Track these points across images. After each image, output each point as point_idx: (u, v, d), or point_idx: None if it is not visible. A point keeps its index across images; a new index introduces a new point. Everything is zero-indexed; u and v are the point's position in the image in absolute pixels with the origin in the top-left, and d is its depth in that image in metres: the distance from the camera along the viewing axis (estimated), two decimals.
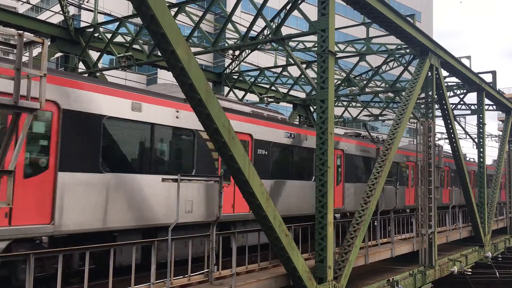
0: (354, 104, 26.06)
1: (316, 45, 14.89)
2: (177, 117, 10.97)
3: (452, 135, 19.76)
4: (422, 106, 18.40)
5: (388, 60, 20.60)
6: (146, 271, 8.71)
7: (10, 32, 6.45)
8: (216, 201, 10.28)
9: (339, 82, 21.70)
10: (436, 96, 17.92)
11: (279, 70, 22.30)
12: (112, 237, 9.68)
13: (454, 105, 26.54)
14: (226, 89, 23.13)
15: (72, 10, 16.55)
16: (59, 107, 8.60)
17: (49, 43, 15.38)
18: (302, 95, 26.28)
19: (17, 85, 5.66)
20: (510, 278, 22.51)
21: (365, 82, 21.89)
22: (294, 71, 21.13)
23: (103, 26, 16.56)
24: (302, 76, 20.16)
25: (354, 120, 26.78)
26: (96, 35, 16.26)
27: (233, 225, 12.66)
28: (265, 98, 22.18)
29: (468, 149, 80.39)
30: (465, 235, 22.69)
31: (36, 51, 7.15)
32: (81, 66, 17.41)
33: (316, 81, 11.29)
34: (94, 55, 17.20)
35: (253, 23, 13.53)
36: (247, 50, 18.27)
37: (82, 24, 17.72)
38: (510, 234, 28.34)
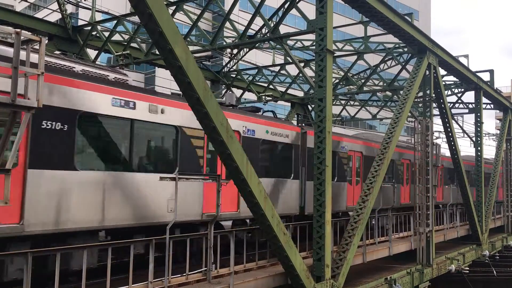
0: (352, 102, 26.09)
1: (314, 43, 14.91)
2: None
3: (450, 134, 19.79)
4: (420, 104, 18.42)
5: (386, 58, 20.64)
6: (144, 269, 8.70)
7: (8, 30, 6.42)
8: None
9: (337, 80, 21.72)
10: (434, 95, 17.95)
11: (277, 68, 22.30)
12: None
13: (452, 104, 26.55)
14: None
15: (70, 9, 16.52)
16: None
17: (46, 41, 15.33)
18: (300, 93, 26.28)
19: (15, 84, 5.64)
20: (508, 277, 22.58)
21: (363, 80, 21.91)
22: (292, 69, 21.13)
23: (101, 25, 16.54)
24: (300, 74, 20.14)
25: (352, 118, 26.83)
26: (93, 33, 16.23)
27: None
28: (263, 97, 22.17)
29: (466, 148, 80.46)
30: (462, 234, 22.73)
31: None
32: None
33: (314, 79, 11.29)
34: (91, 53, 17.18)
35: (251, 21, 13.51)
36: (245, 49, 18.26)
37: (80, 22, 17.69)
38: (508, 233, 28.40)
